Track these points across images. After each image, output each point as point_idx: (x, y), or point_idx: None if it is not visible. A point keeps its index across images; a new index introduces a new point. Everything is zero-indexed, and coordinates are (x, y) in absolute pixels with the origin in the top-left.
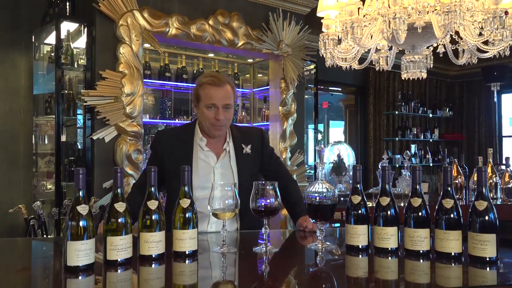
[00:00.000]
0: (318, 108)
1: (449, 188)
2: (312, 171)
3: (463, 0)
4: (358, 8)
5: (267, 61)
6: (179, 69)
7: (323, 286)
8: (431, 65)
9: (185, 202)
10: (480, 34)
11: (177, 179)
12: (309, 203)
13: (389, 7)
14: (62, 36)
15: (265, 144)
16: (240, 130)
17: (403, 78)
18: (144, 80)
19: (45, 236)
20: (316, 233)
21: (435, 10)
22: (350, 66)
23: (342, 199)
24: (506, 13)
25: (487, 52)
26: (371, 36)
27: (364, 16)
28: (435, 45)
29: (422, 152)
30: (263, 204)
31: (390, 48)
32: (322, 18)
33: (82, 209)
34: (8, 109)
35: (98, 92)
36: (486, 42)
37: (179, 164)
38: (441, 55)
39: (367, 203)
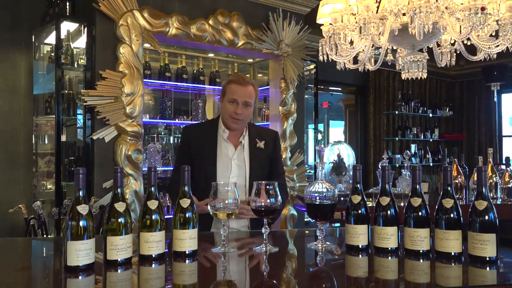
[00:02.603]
0: (318, 108)
1: (449, 188)
2: (312, 171)
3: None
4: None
5: (267, 61)
6: (179, 69)
7: (323, 286)
8: (454, 63)
9: (185, 202)
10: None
11: (203, 170)
12: (309, 203)
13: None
14: (62, 36)
15: (277, 147)
16: (257, 128)
17: (403, 78)
18: (144, 80)
19: (45, 236)
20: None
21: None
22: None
23: (342, 199)
24: (483, 9)
25: (494, 48)
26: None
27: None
28: (452, 41)
29: (422, 152)
30: (263, 204)
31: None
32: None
33: (82, 209)
34: (8, 109)
35: (98, 92)
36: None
37: (205, 152)
38: (457, 52)
39: (367, 203)
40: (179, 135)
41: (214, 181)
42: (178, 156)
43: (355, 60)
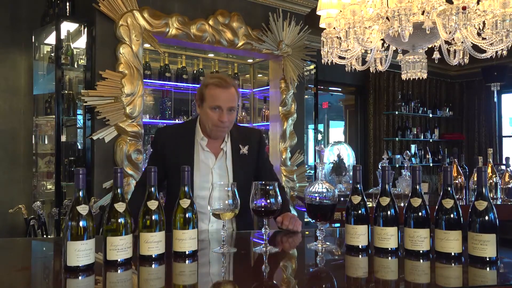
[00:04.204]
0: (318, 108)
1: (449, 188)
2: (312, 171)
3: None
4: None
5: (267, 61)
6: (179, 69)
7: (323, 286)
8: (467, 61)
9: (185, 202)
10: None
11: (178, 176)
12: (309, 203)
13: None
14: (62, 36)
15: (262, 148)
16: (239, 130)
17: (403, 79)
18: (144, 80)
19: (45, 236)
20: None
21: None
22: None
23: (342, 199)
24: (464, 8)
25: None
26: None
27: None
28: (461, 39)
29: (422, 152)
30: (263, 204)
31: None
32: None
33: (82, 209)
34: (8, 109)
35: (98, 92)
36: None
37: (180, 161)
38: (463, 50)
39: (367, 203)
40: None
41: (191, 191)
42: (150, 160)
43: (364, 61)
